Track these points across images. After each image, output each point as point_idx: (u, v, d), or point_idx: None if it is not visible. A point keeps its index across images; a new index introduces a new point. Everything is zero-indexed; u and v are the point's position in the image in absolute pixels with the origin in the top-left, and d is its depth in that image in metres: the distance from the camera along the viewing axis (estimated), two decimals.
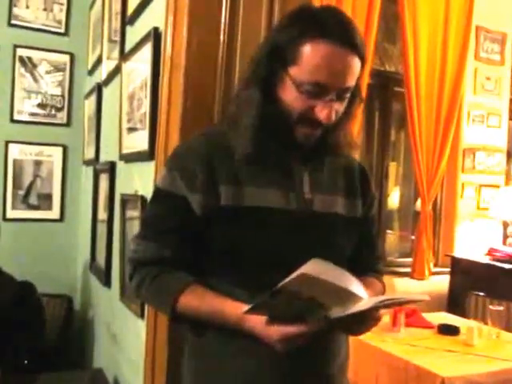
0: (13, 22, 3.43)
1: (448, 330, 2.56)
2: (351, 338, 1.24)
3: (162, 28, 1.76)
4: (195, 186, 1.08)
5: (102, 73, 2.87)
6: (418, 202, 3.76)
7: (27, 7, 3.47)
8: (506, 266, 3.49)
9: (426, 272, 3.66)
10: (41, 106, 3.53)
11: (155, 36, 1.82)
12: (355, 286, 0.93)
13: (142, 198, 1.92)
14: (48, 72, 3.54)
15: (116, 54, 2.48)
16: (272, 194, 1.09)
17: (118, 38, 2.45)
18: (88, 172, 3.32)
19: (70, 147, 3.59)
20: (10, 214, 3.45)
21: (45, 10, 3.51)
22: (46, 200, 3.54)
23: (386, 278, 1.33)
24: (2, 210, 3.43)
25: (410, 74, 3.46)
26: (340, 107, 1.08)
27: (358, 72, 1.06)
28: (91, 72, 3.39)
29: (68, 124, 3.60)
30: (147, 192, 1.81)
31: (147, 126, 1.85)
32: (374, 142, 3.86)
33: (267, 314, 0.96)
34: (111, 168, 2.52)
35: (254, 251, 1.07)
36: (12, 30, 3.44)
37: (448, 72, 3.62)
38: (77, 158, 3.57)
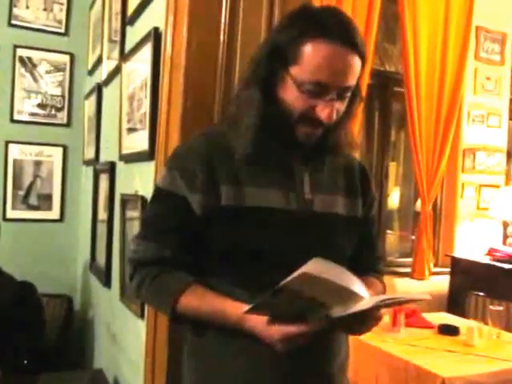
0: (13, 22, 3.43)
1: (448, 330, 2.56)
2: (351, 338, 1.24)
3: (162, 28, 1.76)
4: (195, 185, 1.08)
5: (102, 73, 2.87)
6: (418, 202, 3.76)
7: (27, 7, 3.47)
8: (506, 266, 3.49)
9: (426, 272, 3.66)
10: (41, 106, 3.53)
11: (155, 36, 1.82)
12: (356, 285, 0.93)
13: (142, 199, 1.92)
14: (48, 72, 3.54)
15: (116, 54, 2.48)
16: (273, 195, 1.09)
17: (118, 38, 2.45)
18: (88, 172, 3.32)
19: (70, 147, 3.59)
20: (10, 214, 3.45)
21: (45, 10, 3.51)
22: (45, 200, 3.54)
23: (386, 278, 1.33)
24: (2, 210, 3.43)
25: (410, 74, 3.46)
26: (341, 106, 1.08)
27: (358, 71, 1.06)
28: (91, 72, 3.39)
29: (68, 124, 3.59)
30: (147, 192, 1.81)
31: (147, 126, 1.85)
32: (374, 142, 3.86)
33: (268, 313, 0.96)
34: (111, 168, 2.52)
35: (255, 251, 1.07)
36: (12, 30, 3.44)
37: (448, 72, 3.62)
38: (77, 158, 3.57)
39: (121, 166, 2.39)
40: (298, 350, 0.97)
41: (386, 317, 2.48)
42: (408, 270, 3.71)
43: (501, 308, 2.65)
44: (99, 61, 2.98)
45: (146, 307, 1.79)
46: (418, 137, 3.54)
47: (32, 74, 3.50)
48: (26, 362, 2.59)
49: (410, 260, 3.76)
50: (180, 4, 1.58)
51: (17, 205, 3.47)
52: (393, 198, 4.10)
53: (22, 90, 3.48)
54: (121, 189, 2.36)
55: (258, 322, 0.97)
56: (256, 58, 1.11)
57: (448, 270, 3.78)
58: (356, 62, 1.04)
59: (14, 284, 2.67)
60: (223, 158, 1.10)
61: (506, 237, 3.92)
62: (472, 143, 3.98)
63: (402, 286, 3.62)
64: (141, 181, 2.03)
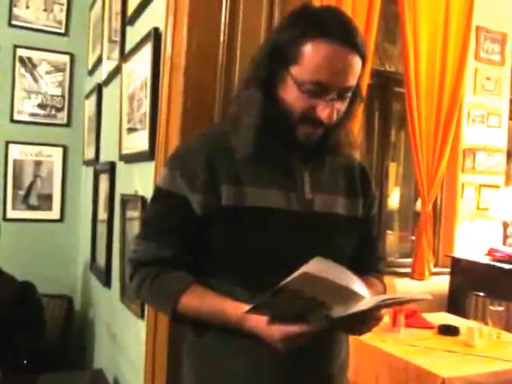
0: (13, 22, 3.43)
1: (448, 331, 2.55)
2: (351, 338, 1.24)
3: (162, 28, 1.76)
4: (196, 185, 1.08)
5: (102, 73, 2.87)
6: (418, 203, 3.76)
7: (27, 7, 3.46)
8: (506, 266, 3.49)
9: (426, 272, 3.67)
10: (41, 106, 3.53)
11: (155, 36, 1.82)
12: (357, 284, 0.93)
13: (142, 199, 1.92)
14: (48, 72, 3.53)
15: (116, 54, 2.48)
16: (273, 195, 1.09)
17: (118, 39, 2.45)
18: (88, 172, 3.32)
19: (70, 147, 3.59)
20: (10, 214, 3.44)
21: (45, 10, 3.51)
22: (46, 200, 3.54)
23: (387, 279, 1.32)
24: (2, 210, 3.43)
25: (410, 73, 3.46)
26: (341, 106, 1.08)
27: (358, 71, 1.06)
28: (91, 72, 3.39)
29: (68, 124, 3.59)
30: (147, 192, 1.81)
31: (147, 126, 1.85)
32: (374, 142, 3.86)
33: (268, 313, 0.96)
34: (111, 168, 2.52)
35: (255, 251, 1.07)
36: (12, 30, 3.44)
37: (448, 72, 3.62)
38: (77, 159, 3.57)
39: (121, 166, 2.39)
40: (298, 350, 0.97)
41: (386, 317, 2.48)
42: (408, 270, 3.71)
43: (501, 308, 2.64)
44: (99, 61, 2.98)
45: (146, 307, 1.79)
46: (418, 137, 3.54)
47: (32, 75, 3.50)
48: (25, 362, 2.59)
49: (410, 260, 3.76)
50: (180, 4, 1.58)
51: (17, 205, 3.47)
52: (393, 198, 4.10)
53: (22, 90, 3.48)
54: (121, 189, 2.36)
55: (259, 322, 0.97)
56: (256, 58, 1.12)
57: (448, 270, 3.78)
58: (356, 61, 1.04)
59: (14, 284, 2.67)
60: (223, 157, 1.10)
61: (506, 237, 3.91)
62: (472, 143, 3.98)
63: (402, 287, 3.62)
64: (141, 181, 2.03)
